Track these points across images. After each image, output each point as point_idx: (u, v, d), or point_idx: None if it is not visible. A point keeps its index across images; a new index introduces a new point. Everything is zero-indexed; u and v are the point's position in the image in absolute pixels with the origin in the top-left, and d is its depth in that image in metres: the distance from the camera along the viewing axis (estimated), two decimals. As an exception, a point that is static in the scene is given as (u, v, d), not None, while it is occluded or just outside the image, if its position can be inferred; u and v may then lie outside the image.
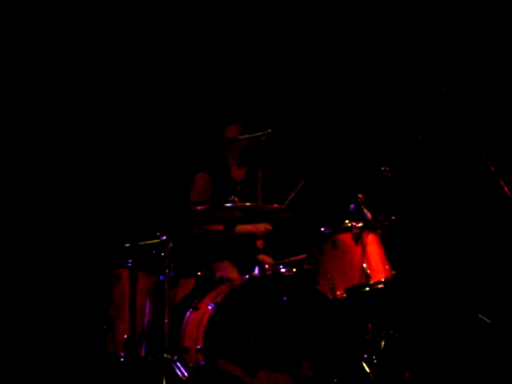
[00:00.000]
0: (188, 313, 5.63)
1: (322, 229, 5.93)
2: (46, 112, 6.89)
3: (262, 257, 6.13)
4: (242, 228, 6.06)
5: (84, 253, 6.74)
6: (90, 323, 6.21)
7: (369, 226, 5.90)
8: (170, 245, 5.66)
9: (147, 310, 5.70)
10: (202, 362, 5.29)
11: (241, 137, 6.11)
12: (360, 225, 5.88)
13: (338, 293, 5.79)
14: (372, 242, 5.89)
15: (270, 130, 5.87)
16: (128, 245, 5.89)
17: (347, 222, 5.92)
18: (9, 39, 6.78)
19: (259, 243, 6.28)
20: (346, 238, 5.87)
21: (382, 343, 5.97)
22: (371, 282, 5.80)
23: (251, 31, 7.32)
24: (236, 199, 5.54)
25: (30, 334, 6.60)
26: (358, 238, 5.86)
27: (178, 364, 5.43)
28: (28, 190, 6.76)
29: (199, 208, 5.64)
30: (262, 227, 6.19)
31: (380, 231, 5.96)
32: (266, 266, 5.68)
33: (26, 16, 6.84)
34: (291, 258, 6.14)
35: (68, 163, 6.90)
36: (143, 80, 7.14)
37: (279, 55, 7.38)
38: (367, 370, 5.72)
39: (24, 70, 6.82)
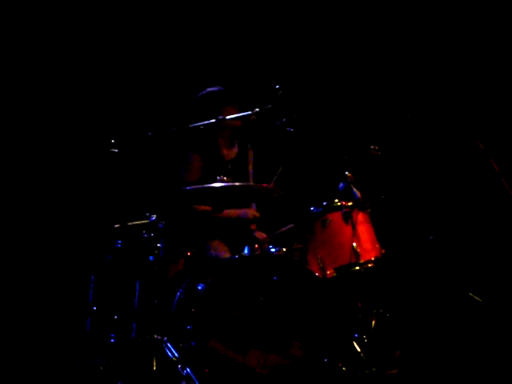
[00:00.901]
0: (178, 293, 5.63)
1: (312, 208, 5.93)
2: (31, 94, 6.85)
3: (258, 233, 6.13)
4: (231, 212, 6.04)
5: (72, 234, 6.73)
6: (78, 305, 6.20)
7: (358, 205, 5.90)
8: (160, 225, 5.65)
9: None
10: (193, 343, 5.29)
11: (228, 117, 6.03)
12: (350, 204, 5.87)
13: (328, 272, 5.77)
14: (362, 220, 5.89)
15: (257, 110, 5.82)
16: (117, 225, 5.88)
17: (337, 201, 5.91)
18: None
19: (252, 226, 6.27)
20: (336, 217, 5.86)
21: (373, 322, 5.97)
22: (361, 261, 5.79)
23: (245, 12, 7.31)
24: (224, 178, 5.52)
25: (17, 316, 6.59)
26: (348, 217, 5.85)
27: (169, 345, 5.42)
28: (12, 171, 6.72)
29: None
30: (250, 213, 6.17)
31: (370, 210, 5.96)
32: (256, 245, 5.67)
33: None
34: (281, 230, 6.13)
35: (55, 143, 6.86)
36: (135, 58, 7.11)
37: (271, 35, 7.36)
38: (358, 349, 5.72)
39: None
